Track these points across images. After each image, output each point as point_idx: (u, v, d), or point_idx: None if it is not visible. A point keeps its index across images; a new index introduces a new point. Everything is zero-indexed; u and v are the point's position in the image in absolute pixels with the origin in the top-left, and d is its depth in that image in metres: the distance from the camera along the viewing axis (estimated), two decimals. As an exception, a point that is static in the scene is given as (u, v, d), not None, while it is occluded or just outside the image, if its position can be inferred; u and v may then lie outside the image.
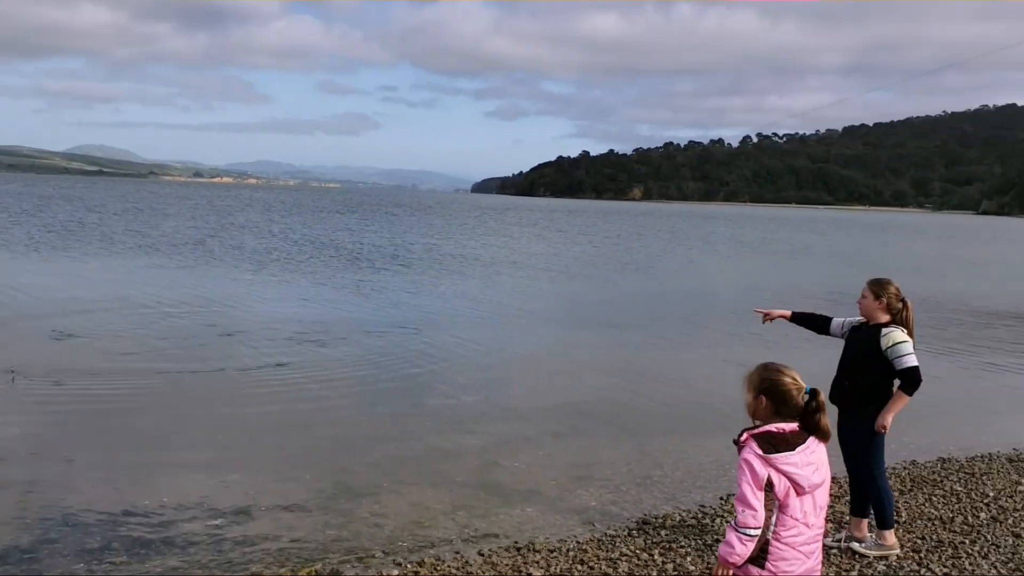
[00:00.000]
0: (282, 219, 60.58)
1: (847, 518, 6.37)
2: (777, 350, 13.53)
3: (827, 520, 6.50)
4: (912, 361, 5.54)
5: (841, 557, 5.90)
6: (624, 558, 5.88)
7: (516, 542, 6.19)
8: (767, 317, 6.25)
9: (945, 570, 5.71)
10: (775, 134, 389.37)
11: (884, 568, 5.74)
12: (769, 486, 3.45)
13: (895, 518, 6.11)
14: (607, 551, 6.00)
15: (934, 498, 7.32)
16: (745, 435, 3.54)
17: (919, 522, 6.68)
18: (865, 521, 6.07)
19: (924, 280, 30.41)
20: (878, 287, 5.76)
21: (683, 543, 6.15)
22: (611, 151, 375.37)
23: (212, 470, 7.62)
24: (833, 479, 7.57)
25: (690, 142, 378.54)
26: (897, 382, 5.64)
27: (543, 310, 20.34)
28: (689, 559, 5.86)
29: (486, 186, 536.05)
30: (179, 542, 6.05)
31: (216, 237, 39.32)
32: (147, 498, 6.85)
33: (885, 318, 5.73)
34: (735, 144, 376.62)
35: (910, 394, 5.59)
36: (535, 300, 22.04)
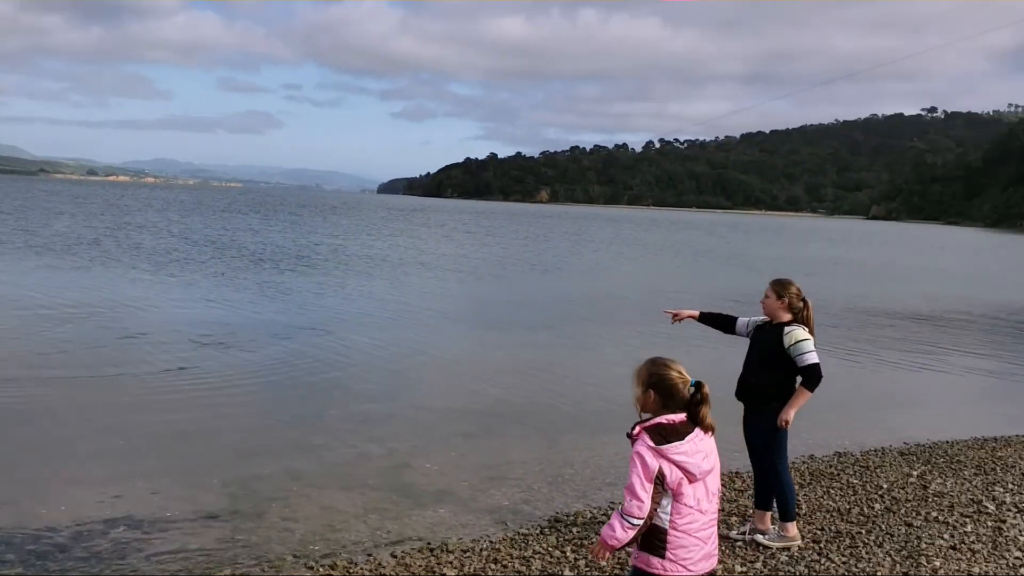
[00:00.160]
0: (181, 219, 58.84)
1: (751, 511, 6.58)
2: (681, 349, 13.86)
3: (732, 513, 6.75)
4: (813, 358, 5.76)
5: (746, 549, 6.08)
6: (537, 556, 5.93)
7: (429, 543, 6.18)
8: (676, 317, 6.39)
9: (844, 559, 5.95)
10: (677, 140, 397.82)
11: (787, 559, 5.94)
12: (661, 477, 3.56)
13: (796, 510, 6.33)
14: (520, 550, 6.05)
15: (832, 491, 7.61)
16: (638, 428, 3.65)
17: (818, 514, 6.94)
18: (768, 514, 6.28)
19: (816, 282, 31.52)
20: (780, 287, 5.96)
21: (595, 540, 6.22)
22: (518, 153, 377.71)
23: (114, 479, 7.35)
24: (737, 473, 7.86)
25: (595, 146, 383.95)
26: (799, 379, 5.85)
27: (452, 311, 20.33)
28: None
29: (393, 187, 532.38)
30: (80, 554, 5.82)
31: (112, 237, 37.93)
32: (45, 508, 6.57)
33: (787, 317, 5.94)
34: (639, 149, 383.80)
35: (811, 390, 5.81)
36: (444, 301, 22.02)
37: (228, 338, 14.33)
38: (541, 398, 11.32)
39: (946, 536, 6.42)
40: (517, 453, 8.66)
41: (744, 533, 6.27)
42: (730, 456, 7.58)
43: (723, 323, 6.33)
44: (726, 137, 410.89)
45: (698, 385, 3.69)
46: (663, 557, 3.64)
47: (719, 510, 4.05)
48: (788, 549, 6.08)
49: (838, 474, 8.19)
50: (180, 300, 19.31)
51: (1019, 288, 35.46)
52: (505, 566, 5.74)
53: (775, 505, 6.22)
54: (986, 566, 5.84)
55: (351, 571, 5.62)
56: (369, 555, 5.93)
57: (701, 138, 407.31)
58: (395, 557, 5.89)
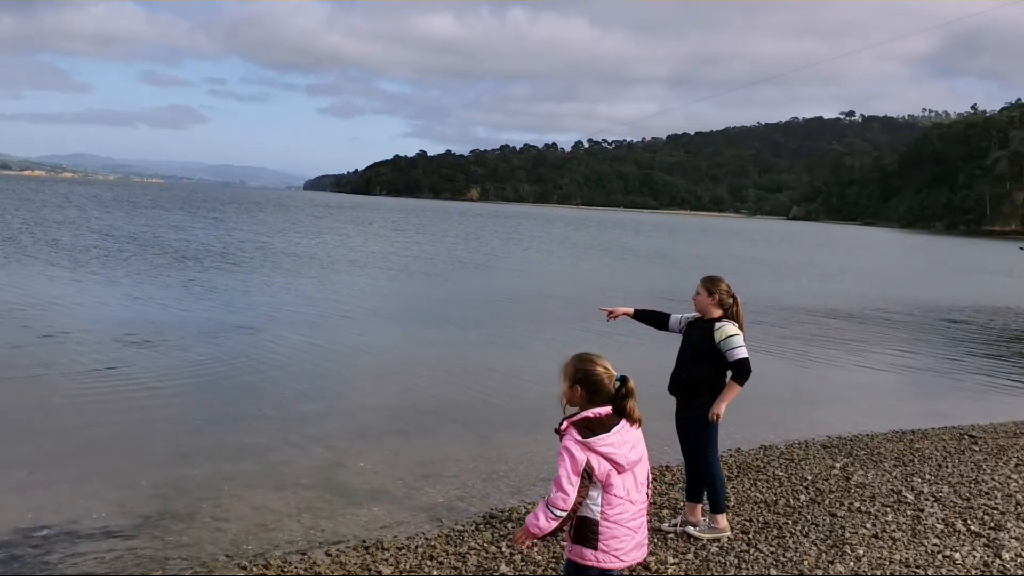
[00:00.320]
0: (101, 215, 57.14)
1: (682, 504, 6.71)
2: (611, 346, 14.04)
3: (663, 507, 6.88)
4: (743, 353, 5.91)
5: (677, 541, 6.20)
6: (473, 552, 5.95)
7: (364, 541, 6.15)
8: (611, 315, 6.48)
9: (772, 549, 6.11)
10: (605, 140, 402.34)
11: (717, 550, 6.08)
12: (589, 470, 3.65)
13: (726, 502, 6.47)
14: (456, 546, 6.06)
15: (759, 483, 7.81)
16: (565, 423, 3.73)
17: (747, 505, 7.12)
18: (699, 506, 6.42)
19: (740, 280, 32.21)
20: (711, 284, 6.11)
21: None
22: (448, 151, 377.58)
23: (39, 482, 7.13)
24: (667, 467, 8.01)
25: (525, 145, 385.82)
26: (730, 373, 5.99)
27: (383, 309, 20.22)
28: (536, 550, 5.99)
29: (320, 183, 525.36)
30: (0, 558, 5.63)
31: (28, 232, 36.63)
32: (-39, 512, 6.34)
33: (718, 313, 6.08)
34: (568, 149, 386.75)
35: (741, 384, 5.96)
36: (374, 299, 21.88)
37: (155, 337, 13.99)
38: (474, 396, 11.35)
39: (868, 525, 6.65)
40: (451, 450, 8.67)
41: (676, 525, 6.40)
42: (660, 450, 7.74)
43: (657, 320, 6.44)
44: (653, 138, 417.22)
45: (623, 379, 3.78)
46: (596, 548, 3.73)
47: (651, 503, 4.15)
48: (718, 540, 6.22)
49: (764, 467, 8.40)
50: (103, 298, 18.78)
51: (932, 286, 36.83)
52: (441, 563, 5.75)
53: (706, 497, 6.36)
54: (906, 553, 6.06)
55: (285, 570, 5.56)
56: (303, 554, 5.88)
57: (629, 139, 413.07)
58: (330, 555, 5.85)
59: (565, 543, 3.79)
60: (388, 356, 14.09)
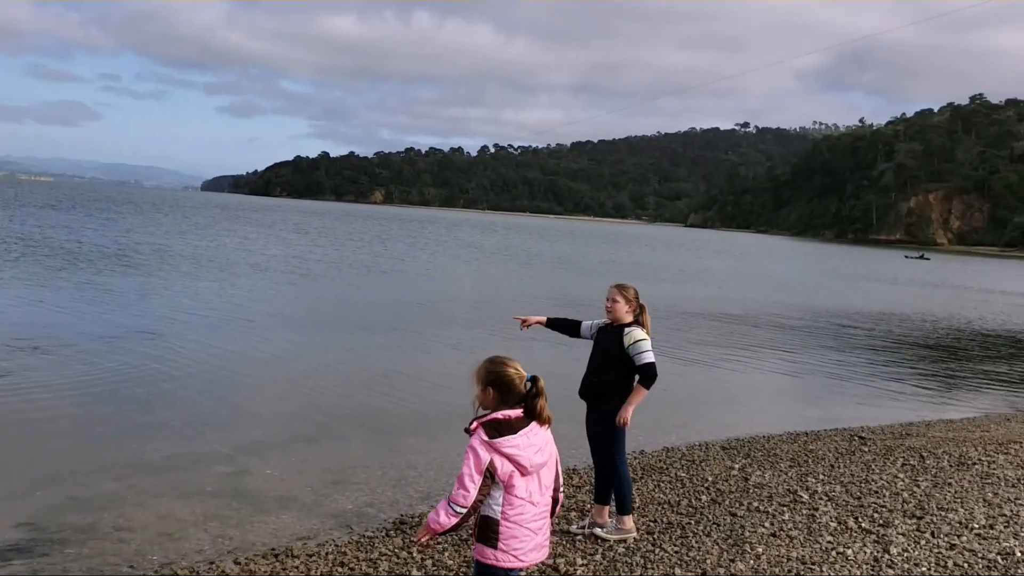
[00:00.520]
0: (-16, 213, 54.41)
1: (590, 506, 6.86)
2: (520, 351, 14.17)
3: (572, 509, 7.01)
4: (650, 358, 6.10)
5: (585, 543, 6.34)
6: (384, 558, 5.96)
7: (274, 549, 6.08)
8: (525, 324, 6.59)
9: (676, 549, 6.31)
10: (511, 146, 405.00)
11: (624, 550, 6.23)
12: (493, 470, 3.75)
13: (632, 504, 6.65)
14: (367, 552, 6.06)
15: (663, 484, 8.04)
16: (475, 423, 3.84)
17: (651, 507, 7.32)
18: (607, 508, 6.57)
19: (641, 285, 32.89)
20: (625, 291, 6.29)
21: (440, 540, 6.30)
22: (352, 153, 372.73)
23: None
24: (575, 470, 8.16)
25: (431, 149, 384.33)
26: (637, 377, 6.16)
27: (286, 313, 19.89)
28: (447, 554, 6.04)
29: (218, 184, 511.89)
30: None
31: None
32: None
33: (628, 319, 6.26)
34: (474, 153, 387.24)
35: (648, 388, 6.14)
36: (277, 303, 21.50)
37: (47, 342, 13.43)
38: (381, 401, 11.30)
39: (767, 524, 6.92)
40: (360, 457, 8.63)
41: (584, 527, 6.53)
42: (568, 453, 7.87)
43: (569, 327, 6.58)
44: (558, 145, 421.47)
45: (534, 379, 3.90)
46: (496, 547, 3.85)
47: (561, 505, 4.26)
48: (625, 541, 6.39)
49: (667, 468, 8.64)
50: (-13, 301, 17.92)
51: (822, 293, 38.35)
52: (352, 569, 5.74)
53: (613, 499, 6.52)
54: (803, 550, 6.34)
55: (192, 581, 5.46)
56: (211, 563, 5.78)
57: (534, 145, 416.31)
58: (239, 564, 5.77)
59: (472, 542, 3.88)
60: (293, 362, 13.88)
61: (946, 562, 6.15)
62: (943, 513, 7.34)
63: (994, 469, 9.05)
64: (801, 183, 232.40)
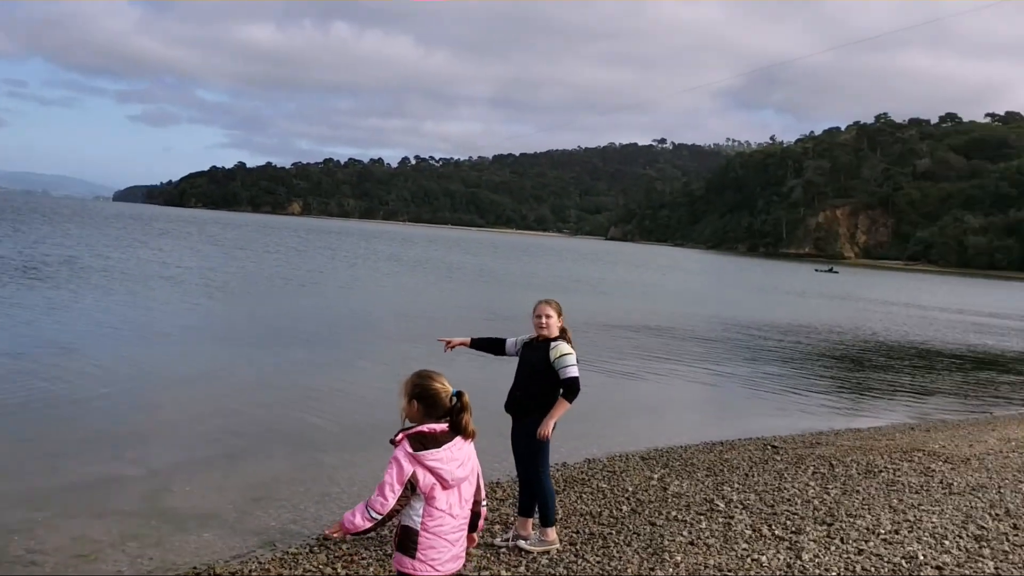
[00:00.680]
0: None
1: (513, 519, 6.95)
2: (445, 363, 14.18)
3: (495, 522, 7.09)
4: (575, 372, 6.24)
5: (509, 555, 6.42)
6: (308, 574, 5.94)
7: (196, 568, 6.01)
8: (449, 345, 6.66)
9: (598, 559, 6.44)
10: (432, 157, 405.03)
11: (547, 561, 6.34)
12: (415, 481, 3.84)
13: (555, 516, 6.76)
14: (291, 569, 6.03)
15: (584, 495, 8.18)
16: (400, 435, 3.93)
17: (573, 518, 7.45)
18: (531, 520, 6.67)
19: (560, 298, 33.26)
20: (557, 306, 6.42)
21: (364, 555, 6.32)
22: (269, 164, 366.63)
23: None
24: (498, 483, 8.24)
25: (350, 159, 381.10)
26: (561, 390, 6.29)
27: (202, 327, 19.51)
28: (372, 569, 6.05)
29: (131, 194, 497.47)
30: None
31: None
32: None
33: (556, 333, 6.39)
34: (394, 164, 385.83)
35: (570, 401, 6.27)
36: (193, 317, 21.06)
37: (-53, 358, 12.91)
38: (302, 416, 11.20)
39: (685, 533, 7.11)
40: (282, 473, 8.56)
41: (508, 540, 6.62)
42: (491, 466, 7.97)
43: (493, 346, 6.67)
44: (479, 157, 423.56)
45: (459, 394, 4.02)
46: (414, 557, 3.94)
47: (486, 518, 4.36)
48: (548, 552, 6.49)
49: (589, 479, 8.80)
50: None
51: (734, 305, 39.33)
52: (277, 586, 5.70)
53: (536, 511, 6.62)
54: (719, 558, 6.54)
55: (111, 603, 5.35)
56: (130, 585, 5.67)
57: (456, 157, 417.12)
58: (159, 585, 5.68)
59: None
60: (211, 377, 13.63)
61: (855, 567, 6.42)
62: (852, 519, 7.65)
63: (899, 476, 9.46)
64: (715, 198, 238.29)
